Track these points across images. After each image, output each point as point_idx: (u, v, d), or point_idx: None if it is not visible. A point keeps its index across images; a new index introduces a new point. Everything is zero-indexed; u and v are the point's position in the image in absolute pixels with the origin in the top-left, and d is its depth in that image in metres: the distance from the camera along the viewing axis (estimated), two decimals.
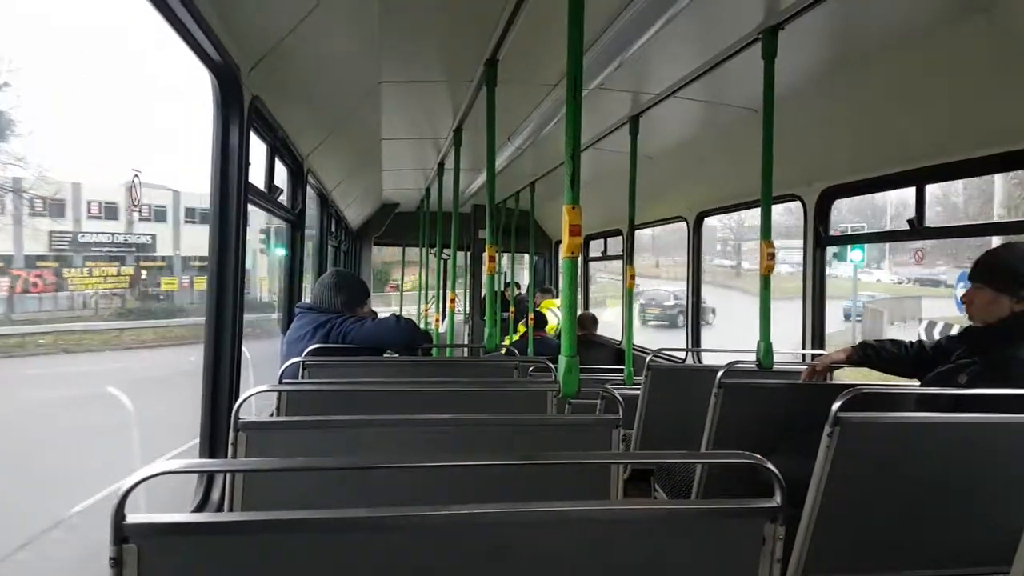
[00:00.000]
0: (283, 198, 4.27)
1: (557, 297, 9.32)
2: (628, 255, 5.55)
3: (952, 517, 2.33)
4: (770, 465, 1.45)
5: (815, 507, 2.24)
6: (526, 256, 10.28)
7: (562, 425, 2.49)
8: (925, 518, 2.32)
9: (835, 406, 2.20)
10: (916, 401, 2.75)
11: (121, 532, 1.20)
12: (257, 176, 3.44)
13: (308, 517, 1.28)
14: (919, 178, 3.67)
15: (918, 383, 2.95)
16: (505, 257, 10.00)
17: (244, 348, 3.08)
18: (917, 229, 3.75)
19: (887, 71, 3.43)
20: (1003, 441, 2.30)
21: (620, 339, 8.32)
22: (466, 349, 9.53)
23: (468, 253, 11.30)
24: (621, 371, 5.12)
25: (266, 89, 3.12)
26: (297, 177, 4.61)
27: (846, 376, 3.78)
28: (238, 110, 2.85)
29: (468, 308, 11.42)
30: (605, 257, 9.26)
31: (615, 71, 3.55)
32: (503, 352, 4.78)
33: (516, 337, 9.31)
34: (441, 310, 9.03)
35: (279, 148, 3.94)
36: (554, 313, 8.98)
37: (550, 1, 2.77)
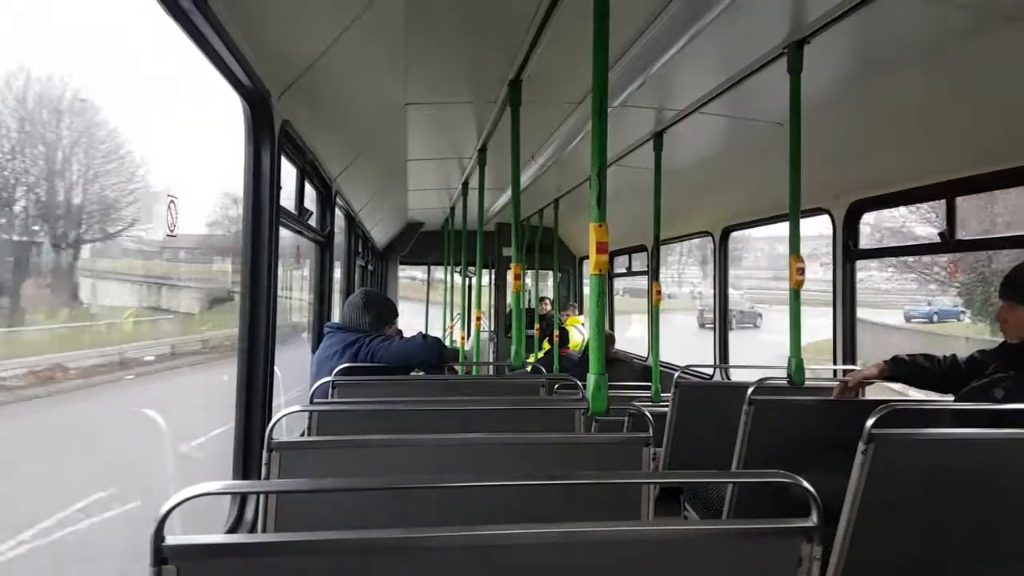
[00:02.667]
0: (312, 220, 4.33)
1: (581, 314, 9.33)
2: (654, 271, 5.55)
3: (990, 536, 2.27)
4: (805, 483, 1.42)
5: (850, 526, 2.21)
6: (550, 273, 10.30)
7: (592, 444, 2.47)
8: (962, 537, 2.27)
9: (869, 422, 2.16)
10: (951, 416, 2.68)
11: (161, 554, 1.21)
12: (287, 199, 3.50)
13: (342, 538, 1.28)
14: (949, 191, 3.63)
15: (952, 398, 2.89)
16: (529, 274, 10.02)
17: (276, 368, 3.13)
18: (948, 241, 3.69)
19: (914, 83, 3.40)
20: None
21: (647, 356, 8.29)
22: (492, 367, 9.55)
23: (493, 271, 11.34)
24: (648, 388, 5.10)
25: (296, 114, 3.17)
26: (326, 199, 4.68)
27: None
28: (269, 135, 2.91)
29: (493, 326, 11.44)
30: (630, 273, 9.25)
31: (639, 88, 3.55)
32: (528, 369, 4.79)
33: (541, 355, 9.31)
34: (466, 328, 9.06)
35: (308, 171, 4.00)
36: (578, 330, 8.98)
37: (573, 21, 2.79)
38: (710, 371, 6.37)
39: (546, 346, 9.20)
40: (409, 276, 15.71)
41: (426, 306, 13.28)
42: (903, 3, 2.76)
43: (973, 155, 3.41)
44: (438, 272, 12.68)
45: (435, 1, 2.95)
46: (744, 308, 26.39)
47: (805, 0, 2.94)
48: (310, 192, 4.27)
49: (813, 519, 1.40)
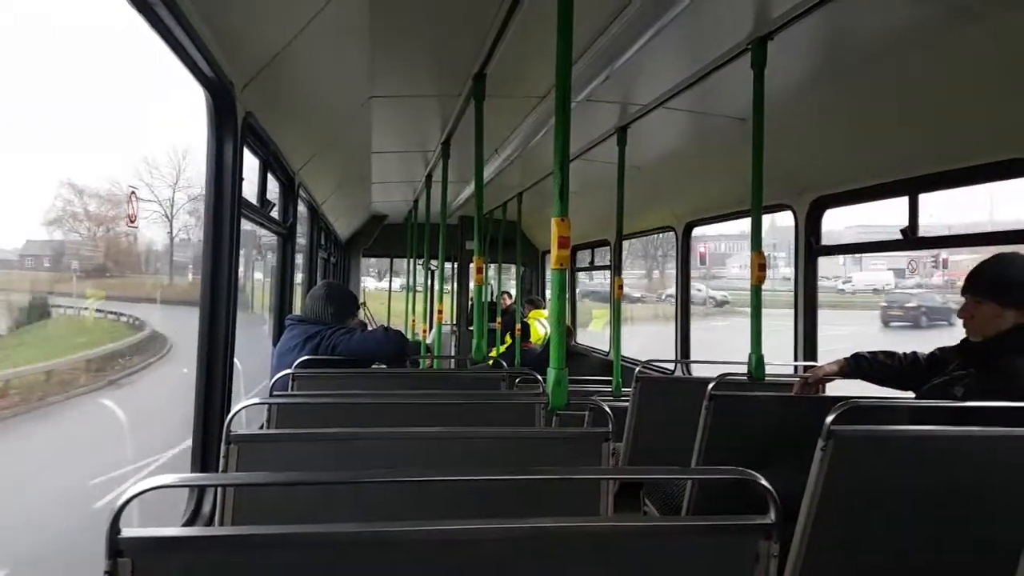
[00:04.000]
0: (275, 212, 4.30)
1: (543, 308, 9.36)
2: (616, 266, 5.58)
3: (949, 532, 2.30)
4: (764, 481, 1.42)
5: (808, 523, 2.21)
6: (513, 267, 10.31)
7: (551, 438, 2.48)
8: (922, 533, 2.29)
9: (828, 419, 2.16)
10: (911, 414, 2.71)
11: (116, 546, 1.20)
12: (249, 190, 3.47)
13: (298, 531, 1.28)
14: (911, 188, 3.65)
15: (912, 396, 2.91)
16: (492, 268, 10.02)
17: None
18: (910, 239, 3.72)
19: (878, 80, 3.42)
20: (1001, 454, 2.26)
21: (608, 350, 8.35)
22: (453, 361, 9.55)
23: (456, 264, 11.32)
24: (609, 382, 5.14)
25: (259, 105, 3.14)
26: (288, 191, 4.64)
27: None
28: (232, 126, 2.88)
29: (455, 319, 11.42)
30: (593, 267, 9.29)
31: (603, 83, 3.56)
32: (490, 363, 4.80)
33: (503, 348, 9.33)
34: (428, 321, 9.04)
35: (271, 163, 3.97)
36: (541, 323, 9.01)
37: (537, 15, 2.80)
38: (671, 366, 6.42)
39: (508, 340, 9.21)
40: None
41: (388, 299, 13.22)
42: (866, 1, 2.79)
43: (935, 152, 3.44)
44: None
45: None
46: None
47: None
48: (272, 184, 4.24)
49: (771, 516, 1.41)
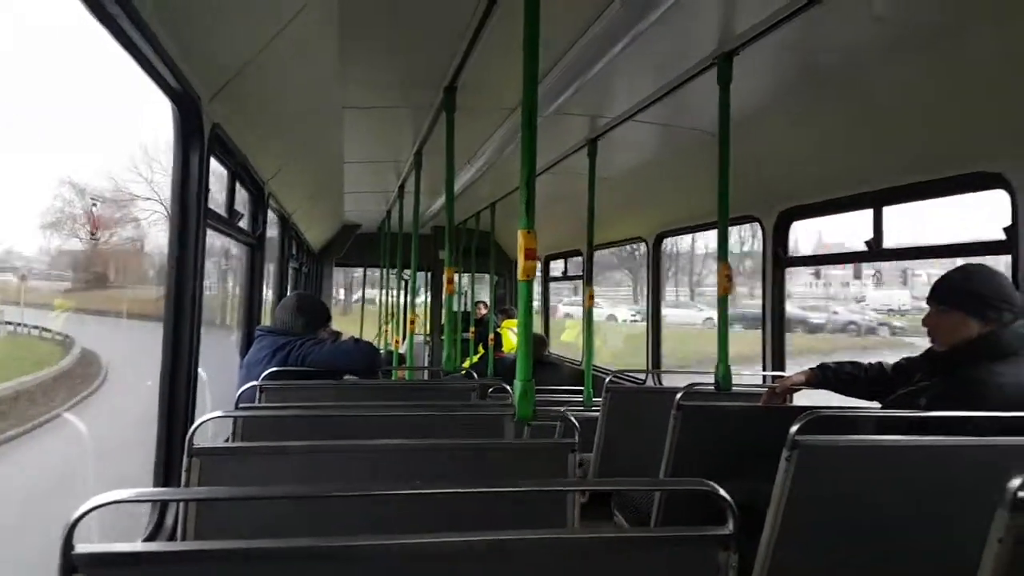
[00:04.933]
0: (243, 222, 4.27)
1: (516, 317, 9.37)
2: (588, 275, 5.60)
3: (913, 542, 2.31)
4: (722, 492, 1.44)
5: (774, 533, 2.21)
6: (487, 276, 10.31)
7: (518, 450, 2.48)
8: (886, 543, 2.30)
9: (793, 429, 2.17)
10: (876, 424, 2.70)
11: (70, 562, 1.18)
12: (217, 201, 3.45)
13: (260, 546, 1.26)
14: (876, 200, 3.70)
15: (879, 406, 2.93)
16: (466, 278, 10.03)
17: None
18: (875, 251, 3.76)
19: (843, 94, 3.47)
20: (964, 463, 2.27)
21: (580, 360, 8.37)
22: (426, 372, 9.53)
23: (429, 274, 11.30)
24: (581, 392, 5.15)
25: (227, 117, 3.12)
26: (258, 201, 4.61)
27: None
28: (199, 138, 2.86)
29: (428, 329, 11.40)
30: (565, 277, 9.32)
31: (572, 96, 3.58)
32: (463, 374, 4.81)
33: (476, 359, 9.33)
34: (401, 331, 9.01)
35: (240, 173, 3.94)
36: (513, 332, 9.02)
37: (507, 29, 2.79)
38: (643, 376, 6.45)
39: (481, 350, 9.21)
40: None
41: (361, 308, 13.16)
42: (830, 17, 2.82)
43: (899, 166, 3.48)
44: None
45: (369, 6, 2.95)
46: None
47: (734, 13, 3.00)
48: (242, 194, 4.21)
49: (729, 527, 1.42)
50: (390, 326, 9.93)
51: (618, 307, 24.60)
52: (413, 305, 6.51)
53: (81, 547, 1.19)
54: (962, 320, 2.68)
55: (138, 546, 1.35)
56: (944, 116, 3.15)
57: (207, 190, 2.97)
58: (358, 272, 14.00)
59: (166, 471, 2.83)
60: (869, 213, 3.76)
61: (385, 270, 10.41)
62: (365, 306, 13.91)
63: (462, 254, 8.95)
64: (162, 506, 2.77)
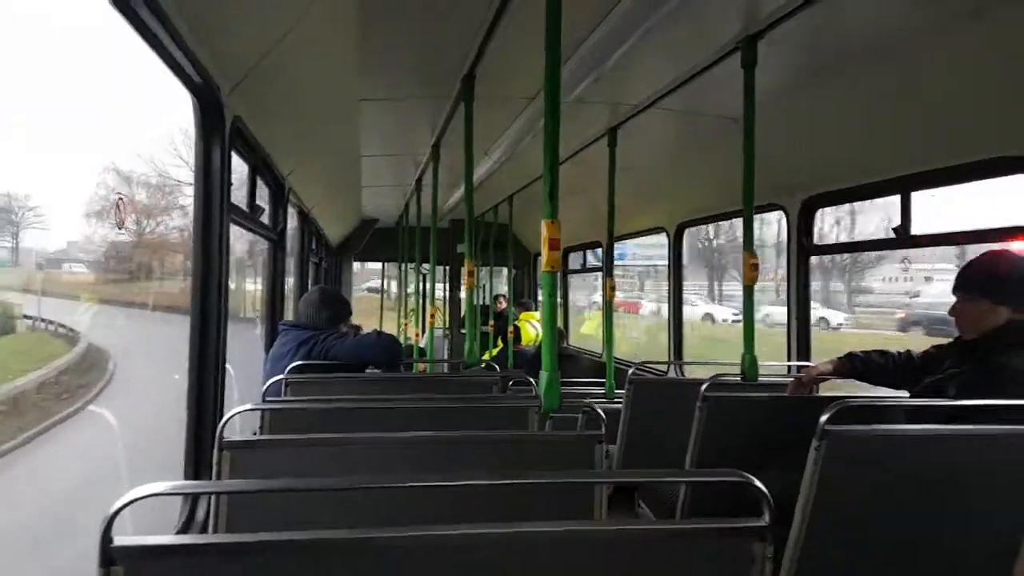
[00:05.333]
0: (264, 217, 4.28)
1: (535, 310, 9.36)
2: (608, 267, 5.58)
3: (946, 533, 2.29)
4: (758, 483, 1.42)
5: (803, 524, 2.20)
6: (504, 269, 10.31)
7: (545, 441, 2.47)
8: (917, 532, 2.28)
9: (822, 419, 2.15)
10: (906, 413, 2.70)
11: (108, 555, 1.20)
12: (238, 195, 3.46)
13: (292, 538, 1.27)
14: (904, 186, 3.65)
15: (907, 395, 2.91)
16: (484, 271, 10.04)
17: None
18: (903, 237, 3.71)
19: (869, 78, 3.42)
20: (997, 453, 2.26)
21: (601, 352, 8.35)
22: (446, 365, 9.53)
23: (447, 267, 11.32)
24: (602, 384, 5.13)
25: (247, 109, 3.13)
26: (278, 196, 4.62)
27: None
28: (219, 131, 2.86)
29: (447, 322, 11.42)
30: (584, 270, 9.29)
31: (593, 83, 3.56)
32: (483, 366, 4.80)
33: (495, 352, 9.34)
34: (421, 325, 9.03)
35: (260, 167, 3.95)
36: (532, 325, 9.01)
37: (526, 16, 2.78)
38: (664, 367, 6.43)
39: (500, 344, 9.21)
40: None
41: (381, 303, 13.20)
42: (855, 0, 2.79)
43: (927, 150, 3.43)
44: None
45: None
46: None
47: None
48: (262, 189, 4.22)
49: (765, 519, 1.40)
50: (410, 320, 9.94)
51: (714, 304, 21.98)
52: (433, 299, 6.51)
53: (120, 539, 1.21)
54: (989, 308, 2.67)
55: (175, 539, 1.36)
56: (973, 99, 3.09)
57: (229, 183, 2.97)
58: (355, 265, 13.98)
59: (196, 464, 2.85)
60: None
61: (403, 264, 10.43)
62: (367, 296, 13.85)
63: (480, 247, 8.95)
64: (193, 500, 2.78)
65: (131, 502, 1.24)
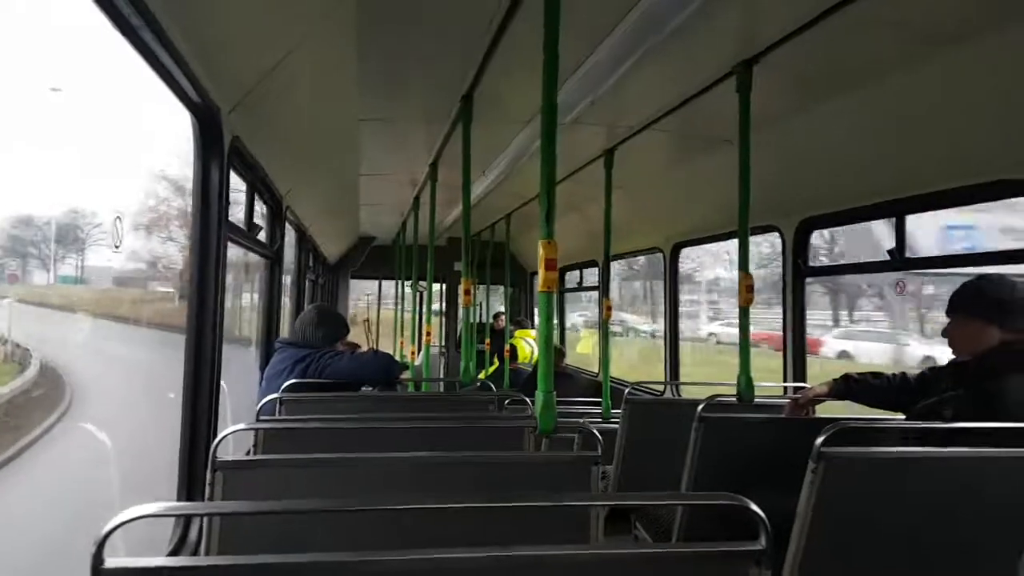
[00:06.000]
0: (262, 235, 4.29)
1: (531, 328, 9.36)
2: (604, 286, 5.58)
3: (941, 554, 2.29)
4: (754, 507, 1.41)
5: (799, 547, 2.20)
6: (501, 288, 10.30)
7: (541, 462, 2.46)
8: (913, 555, 2.28)
9: (818, 441, 2.16)
10: (902, 435, 2.71)
11: None
12: (236, 214, 3.46)
13: (284, 561, 1.26)
14: (898, 209, 3.67)
15: (903, 416, 2.91)
16: (480, 289, 10.03)
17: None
18: (897, 259, 3.72)
19: (864, 101, 3.44)
20: (994, 475, 2.26)
21: (597, 371, 8.33)
22: (441, 384, 9.51)
23: (444, 285, 11.31)
24: (598, 404, 5.12)
25: (246, 129, 3.14)
26: (276, 214, 4.63)
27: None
28: (218, 151, 2.87)
29: (443, 340, 11.40)
30: (581, 288, 9.30)
31: (589, 106, 3.58)
32: (478, 385, 4.80)
33: (491, 370, 9.31)
34: (417, 343, 9.03)
35: (258, 186, 3.96)
36: (527, 342, 9.00)
37: (524, 39, 2.79)
38: (661, 387, 6.41)
39: (496, 362, 9.19)
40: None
41: (376, 321, 13.18)
42: (850, 25, 2.80)
43: (922, 174, 3.44)
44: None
45: (387, 18, 2.95)
46: None
47: (754, 22, 2.98)
48: (260, 207, 4.23)
49: (762, 543, 1.40)
50: (405, 337, 9.93)
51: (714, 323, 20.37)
52: (429, 317, 6.51)
53: (111, 561, 1.20)
54: (981, 328, 2.68)
55: (168, 560, 1.35)
56: (967, 122, 3.11)
57: (227, 203, 2.98)
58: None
59: (189, 484, 2.83)
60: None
61: (400, 282, 10.44)
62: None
63: (477, 265, 8.96)
64: (186, 521, 2.77)
65: (123, 523, 1.23)
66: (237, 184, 3.50)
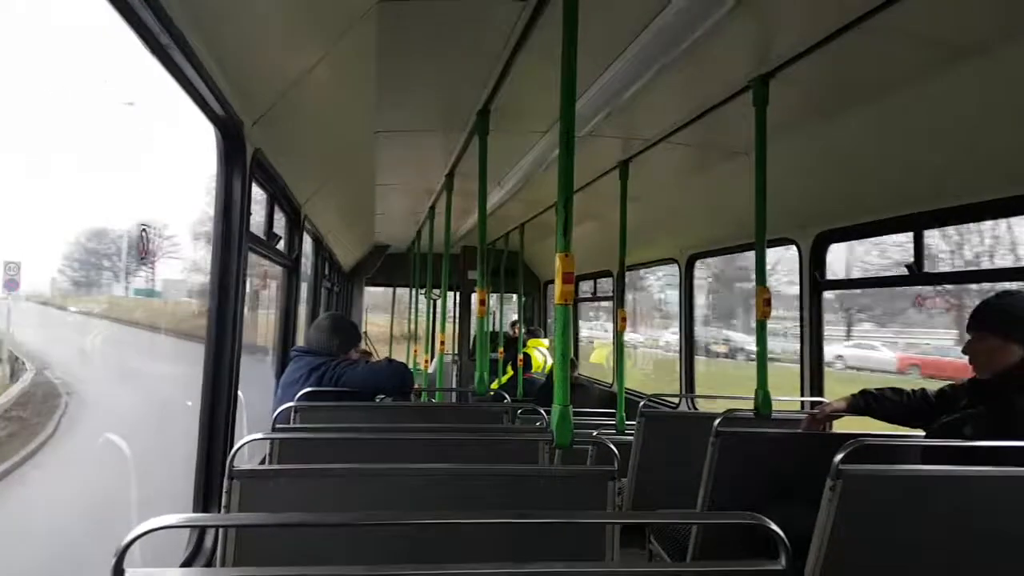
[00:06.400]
0: (280, 244, 4.33)
1: (543, 337, 9.35)
2: (619, 297, 5.58)
3: (960, 572, 2.27)
4: (773, 525, 1.40)
5: (818, 564, 2.19)
6: (514, 296, 10.31)
7: (556, 476, 2.45)
8: (932, 573, 2.26)
9: (837, 458, 2.15)
10: (922, 452, 2.69)
11: None
12: (256, 223, 3.50)
13: (297, 574, 1.29)
14: (917, 223, 3.64)
15: (922, 433, 2.89)
16: (494, 297, 10.03)
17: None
18: (916, 274, 3.69)
19: (882, 116, 3.43)
20: (1014, 494, 2.25)
21: (611, 382, 8.31)
22: (454, 394, 9.50)
23: (457, 294, 11.33)
24: (612, 415, 5.11)
25: (267, 142, 3.18)
26: (294, 223, 4.67)
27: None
28: (241, 163, 2.91)
29: (457, 349, 11.40)
30: (595, 298, 9.29)
31: (605, 118, 3.60)
32: (491, 395, 4.80)
33: (505, 379, 9.31)
34: (430, 352, 9.05)
35: (278, 196, 4.00)
36: (540, 352, 9.00)
37: (542, 53, 2.83)
38: (676, 400, 6.38)
39: (510, 372, 9.19)
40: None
41: (390, 329, 13.20)
42: (868, 39, 2.81)
43: (940, 188, 3.43)
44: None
45: (406, 33, 2.99)
46: None
47: (770, 37, 3.00)
48: (279, 216, 4.28)
49: (781, 562, 1.39)
50: (419, 346, 9.94)
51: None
52: (443, 325, 6.52)
53: (131, 571, 1.22)
54: (1001, 345, 2.66)
55: (187, 572, 1.37)
56: (986, 137, 3.09)
57: (249, 214, 3.02)
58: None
59: (205, 493, 2.86)
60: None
61: (414, 290, 10.46)
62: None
63: (491, 274, 8.97)
64: (201, 531, 2.79)
65: (143, 534, 1.26)
66: (257, 194, 3.54)
